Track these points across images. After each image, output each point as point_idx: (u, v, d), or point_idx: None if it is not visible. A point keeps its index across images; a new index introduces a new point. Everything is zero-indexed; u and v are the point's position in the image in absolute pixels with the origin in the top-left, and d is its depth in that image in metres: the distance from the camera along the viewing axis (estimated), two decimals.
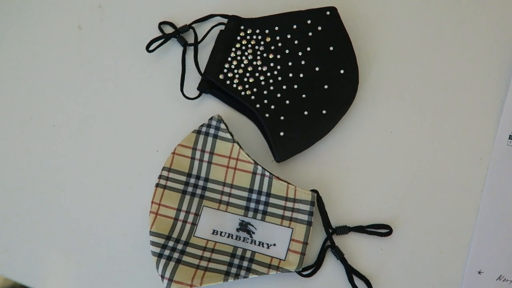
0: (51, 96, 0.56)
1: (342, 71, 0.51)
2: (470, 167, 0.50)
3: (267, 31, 0.53)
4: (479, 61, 0.53)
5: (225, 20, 0.55)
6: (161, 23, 0.56)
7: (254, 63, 0.52)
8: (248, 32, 0.53)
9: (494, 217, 0.48)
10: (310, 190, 0.49)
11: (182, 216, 0.49)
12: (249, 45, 0.53)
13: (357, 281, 0.47)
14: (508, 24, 0.54)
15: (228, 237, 0.48)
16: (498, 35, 0.54)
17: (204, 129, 0.51)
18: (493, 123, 0.51)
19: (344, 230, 0.48)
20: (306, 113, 0.50)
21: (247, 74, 0.52)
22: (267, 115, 0.51)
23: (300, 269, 0.47)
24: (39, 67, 0.57)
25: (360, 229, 0.48)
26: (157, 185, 0.49)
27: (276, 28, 0.53)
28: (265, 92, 0.52)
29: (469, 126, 0.51)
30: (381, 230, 0.49)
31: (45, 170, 0.53)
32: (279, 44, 0.53)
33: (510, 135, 0.50)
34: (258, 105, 0.51)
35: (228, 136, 0.50)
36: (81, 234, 0.51)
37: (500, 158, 0.50)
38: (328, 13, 0.52)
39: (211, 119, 0.51)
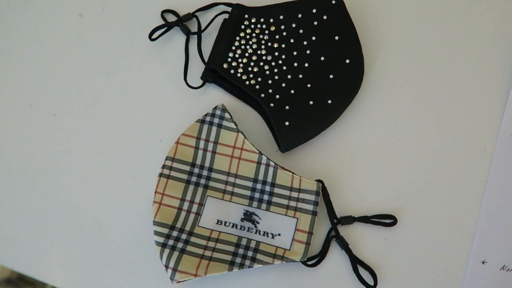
0: (52, 85, 0.55)
1: (347, 61, 0.51)
2: (474, 158, 0.50)
3: (271, 20, 0.53)
4: (484, 52, 0.53)
5: (229, 9, 0.54)
6: (163, 11, 0.55)
7: (259, 52, 0.52)
8: (252, 21, 0.53)
9: (498, 207, 0.49)
10: (315, 180, 0.49)
11: (186, 206, 0.49)
12: (254, 34, 0.52)
13: (362, 271, 0.47)
14: None
15: (233, 227, 0.48)
16: (504, 27, 0.53)
17: (208, 118, 0.50)
18: (498, 114, 0.51)
19: (349, 220, 0.48)
20: (311, 103, 0.50)
21: (252, 64, 0.52)
22: (271, 104, 0.50)
23: (305, 259, 0.46)
24: (40, 55, 0.56)
25: (365, 219, 0.48)
26: (161, 174, 0.49)
27: (281, 17, 0.52)
28: (269, 81, 0.51)
29: (474, 117, 0.51)
30: (386, 220, 0.49)
31: (45, 160, 0.53)
32: (284, 33, 0.52)
33: None
34: (262, 95, 0.51)
35: (232, 125, 0.50)
36: (83, 224, 0.51)
37: (504, 149, 0.50)
38: (333, 2, 0.52)
39: (215, 108, 0.51)
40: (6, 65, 0.56)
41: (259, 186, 0.49)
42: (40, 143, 0.53)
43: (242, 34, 0.52)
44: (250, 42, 0.52)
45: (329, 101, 0.50)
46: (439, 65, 0.53)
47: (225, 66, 0.52)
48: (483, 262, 0.48)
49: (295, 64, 0.51)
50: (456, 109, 0.52)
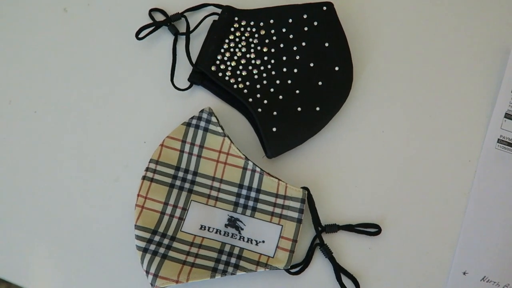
0: (33, 81, 0.53)
1: (336, 68, 0.51)
2: (458, 169, 0.51)
3: (261, 23, 0.52)
4: (470, 64, 0.54)
5: (219, 10, 0.53)
6: (151, 10, 0.54)
7: (248, 56, 0.51)
8: (242, 23, 0.52)
9: (480, 219, 0.49)
10: (301, 188, 0.48)
11: (169, 210, 0.48)
12: (243, 37, 0.52)
13: (345, 279, 0.47)
14: (499, 30, 0.55)
15: (216, 233, 0.47)
16: (490, 40, 0.54)
17: (194, 121, 0.49)
18: (483, 126, 0.52)
19: (333, 228, 0.48)
20: (299, 109, 0.50)
21: (240, 67, 0.51)
22: (259, 109, 0.50)
23: (289, 267, 0.46)
24: (21, 49, 0.54)
25: (350, 228, 0.48)
26: (144, 177, 0.48)
27: (271, 21, 0.52)
28: (258, 86, 0.51)
29: (459, 129, 0.52)
30: (370, 229, 0.49)
31: (24, 160, 0.51)
32: (274, 38, 0.52)
33: (498, 139, 0.51)
34: (250, 99, 0.50)
35: (219, 129, 0.49)
36: (64, 227, 0.49)
37: (488, 162, 0.50)
38: (324, 8, 0.52)
39: (201, 111, 0.50)
40: None
41: (244, 192, 0.48)
42: (18, 141, 0.51)
43: (231, 37, 0.52)
44: (240, 45, 0.51)
45: (317, 108, 0.50)
46: (426, 76, 0.53)
47: (213, 68, 0.51)
48: (464, 273, 0.48)
49: (284, 69, 0.51)
50: (442, 121, 0.52)
